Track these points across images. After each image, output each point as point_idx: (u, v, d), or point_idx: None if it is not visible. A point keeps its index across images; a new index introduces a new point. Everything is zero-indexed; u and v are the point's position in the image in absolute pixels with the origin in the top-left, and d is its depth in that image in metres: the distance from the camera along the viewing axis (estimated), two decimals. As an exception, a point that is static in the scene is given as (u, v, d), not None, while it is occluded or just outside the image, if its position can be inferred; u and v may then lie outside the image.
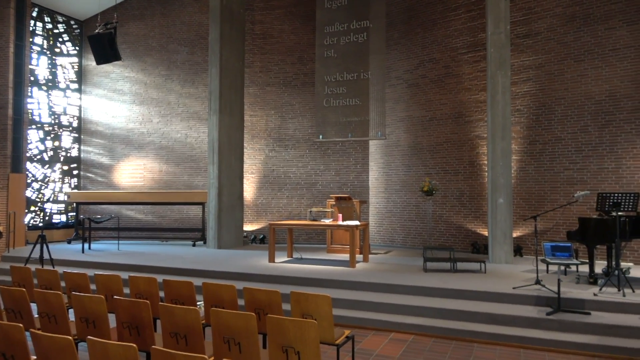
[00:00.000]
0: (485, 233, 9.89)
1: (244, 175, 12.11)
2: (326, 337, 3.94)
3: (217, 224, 10.79)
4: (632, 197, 6.46)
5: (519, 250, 9.52)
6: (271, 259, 8.67)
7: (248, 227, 12.34)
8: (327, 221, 8.76)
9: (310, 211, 9.34)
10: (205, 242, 11.57)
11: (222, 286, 4.48)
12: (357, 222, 8.49)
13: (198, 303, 4.70)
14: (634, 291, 5.97)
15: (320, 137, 11.08)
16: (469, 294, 6.22)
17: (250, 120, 12.53)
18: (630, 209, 6.49)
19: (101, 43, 9.20)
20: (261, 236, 12.07)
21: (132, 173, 13.08)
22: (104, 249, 10.69)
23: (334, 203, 9.99)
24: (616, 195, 6.52)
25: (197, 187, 12.64)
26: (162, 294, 4.95)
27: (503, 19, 8.81)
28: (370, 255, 9.51)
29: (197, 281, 5.38)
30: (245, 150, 12.23)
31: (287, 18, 12.62)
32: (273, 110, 12.54)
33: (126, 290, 5.00)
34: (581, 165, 9.12)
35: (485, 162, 9.85)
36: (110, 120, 13.35)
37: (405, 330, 5.67)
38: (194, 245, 11.56)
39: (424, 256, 7.90)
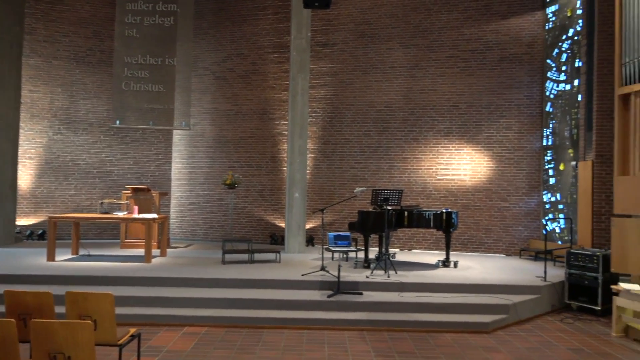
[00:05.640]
0: (283, 225, 10.52)
1: (19, 161, 10.35)
2: (107, 338, 3.69)
3: (-21, 218, 9.00)
4: (397, 193, 7.69)
5: (311, 240, 10.41)
6: (50, 257, 7.64)
7: (23, 221, 10.60)
8: (121, 214, 8.14)
9: (101, 203, 8.53)
10: (-40, 240, 9.52)
11: (-25, 291, 3.78)
12: (154, 215, 8.10)
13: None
14: (396, 272, 7.12)
15: (118, 122, 10.20)
16: (262, 283, 6.54)
17: (30, 97, 10.76)
18: (396, 204, 7.72)
19: None
20: (40, 231, 10.51)
21: None
22: None
23: (130, 195, 9.33)
24: (386, 191, 7.67)
25: (-49, 173, 10.28)
26: None
27: (305, 26, 9.48)
28: (169, 250, 9.19)
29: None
30: (21, 131, 10.45)
31: (81, -15, 11.20)
32: (60, 88, 11.01)
33: None
34: (364, 165, 10.45)
35: (285, 158, 10.48)
36: None
37: (199, 323, 5.66)
38: (-57, 243, 9.41)
39: (223, 249, 8.00)
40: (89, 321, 3.00)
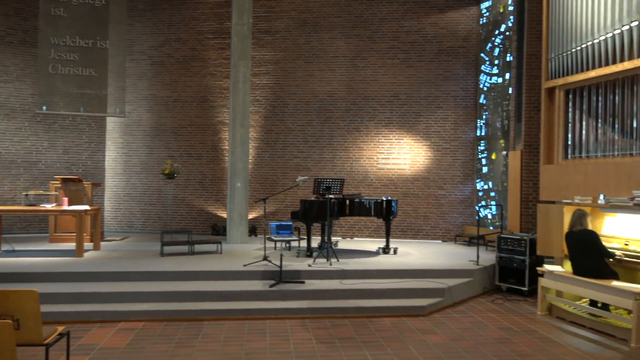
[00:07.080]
0: (225, 215, 10.33)
1: None
2: (32, 338, 3.46)
3: None
4: (339, 182, 7.76)
5: (254, 230, 10.31)
6: (-32, 253, 7.05)
7: None
8: (49, 206, 7.64)
9: (26, 195, 7.96)
10: None
11: None
12: (86, 207, 7.68)
13: None
14: (338, 260, 7.21)
15: (44, 108, 9.53)
16: (203, 275, 6.40)
17: (-59, 79, 9.81)
18: (338, 192, 7.78)
19: None
20: (-44, 226, 9.66)
21: None
22: None
23: (59, 185, 8.78)
24: (328, 180, 7.72)
25: None
26: None
27: (246, 11, 9.26)
28: (103, 243, 8.77)
29: None
30: None
31: (-1, -42, 10.29)
32: (-23, 70, 10.10)
33: None
34: (307, 154, 10.46)
35: (227, 147, 10.27)
36: None
37: (136, 318, 5.45)
38: None
39: (162, 240, 7.74)
40: (9, 321, 2.79)
